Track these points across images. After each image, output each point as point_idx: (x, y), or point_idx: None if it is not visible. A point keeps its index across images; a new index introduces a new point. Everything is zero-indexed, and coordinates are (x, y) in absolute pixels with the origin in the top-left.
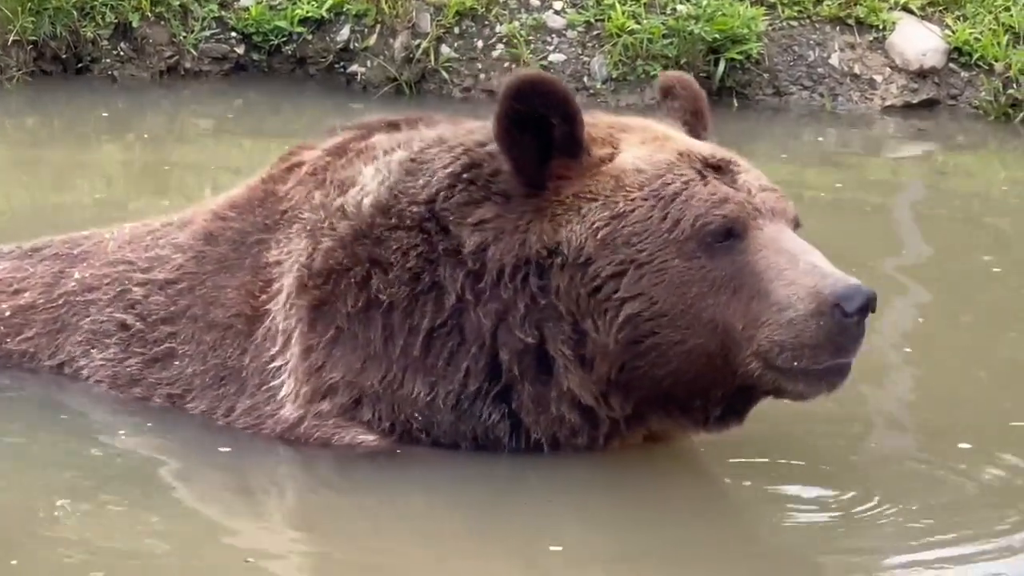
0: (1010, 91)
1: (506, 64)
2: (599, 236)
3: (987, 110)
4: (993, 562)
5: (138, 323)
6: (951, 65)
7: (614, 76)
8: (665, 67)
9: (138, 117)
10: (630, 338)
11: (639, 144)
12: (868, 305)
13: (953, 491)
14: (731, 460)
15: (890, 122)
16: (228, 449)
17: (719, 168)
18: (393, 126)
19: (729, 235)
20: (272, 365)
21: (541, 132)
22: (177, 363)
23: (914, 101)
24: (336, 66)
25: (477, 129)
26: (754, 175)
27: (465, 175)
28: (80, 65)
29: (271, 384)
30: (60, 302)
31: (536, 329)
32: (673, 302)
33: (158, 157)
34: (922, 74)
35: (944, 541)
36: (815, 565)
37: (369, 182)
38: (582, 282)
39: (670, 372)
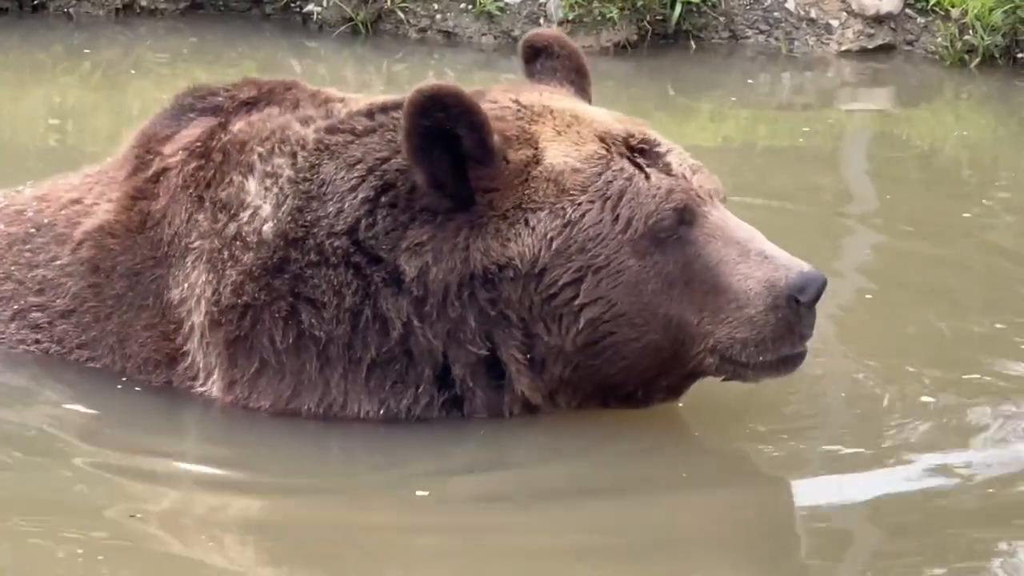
0: (966, 37)
1: (462, 5)
2: (553, 246)
3: (943, 56)
4: None
5: (54, 346)
6: (907, 11)
7: (570, 18)
8: (621, 9)
9: (94, 52)
10: (587, 340)
11: (556, 136)
12: (821, 292)
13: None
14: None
15: (846, 65)
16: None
17: (643, 151)
18: (248, 105)
19: (679, 227)
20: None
21: (450, 144)
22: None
23: (870, 46)
24: (292, 5)
25: (360, 132)
26: (676, 154)
27: (383, 199)
28: (36, 2)
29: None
30: None
31: (487, 339)
32: (631, 302)
33: (114, 90)
34: (878, 19)
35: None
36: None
37: (261, 204)
38: (536, 291)
39: (623, 368)
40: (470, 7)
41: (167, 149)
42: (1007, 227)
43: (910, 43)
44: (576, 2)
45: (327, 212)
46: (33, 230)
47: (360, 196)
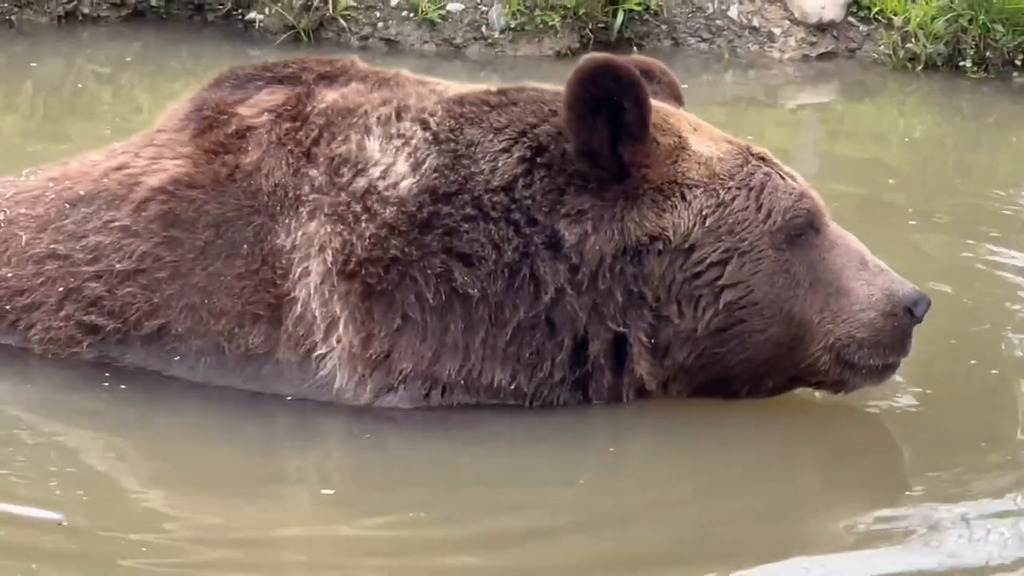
0: (908, 45)
1: (404, 13)
2: (707, 223)
3: (886, 64)
4: None
5: (114, 322)
6: (850, 19)
7: (512, 26)
8: (564, 17)
9: (35, 61)
10: (720, 325)
11: (692, 131)
12: (927, 310)
13: None
14: None
15: (789, 66)
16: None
17: (764, 159)
18: (327, 79)
19: (808, 229)
20: (315, 354)
21: (613, 116)
22: (179, 359)
23: (813, 55)
24: (234, 13)
25: (495, 104)
26: (791, 170)
27: (538, 159)
28: None
29: (317, 374)
30: None
31: (623, 318)
32: (765, 291)
33: (56, 100)
34: (821, 27)
35: None
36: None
37: (393, 161)
38: (681, 268)
39: (743, 360)
40: (412, 15)
41: (244, 111)
42: (955, 223)
43: (852, 51)
44: (518, 10)
45: (480, 169)
46: (68, 206)
47: (516, 155)
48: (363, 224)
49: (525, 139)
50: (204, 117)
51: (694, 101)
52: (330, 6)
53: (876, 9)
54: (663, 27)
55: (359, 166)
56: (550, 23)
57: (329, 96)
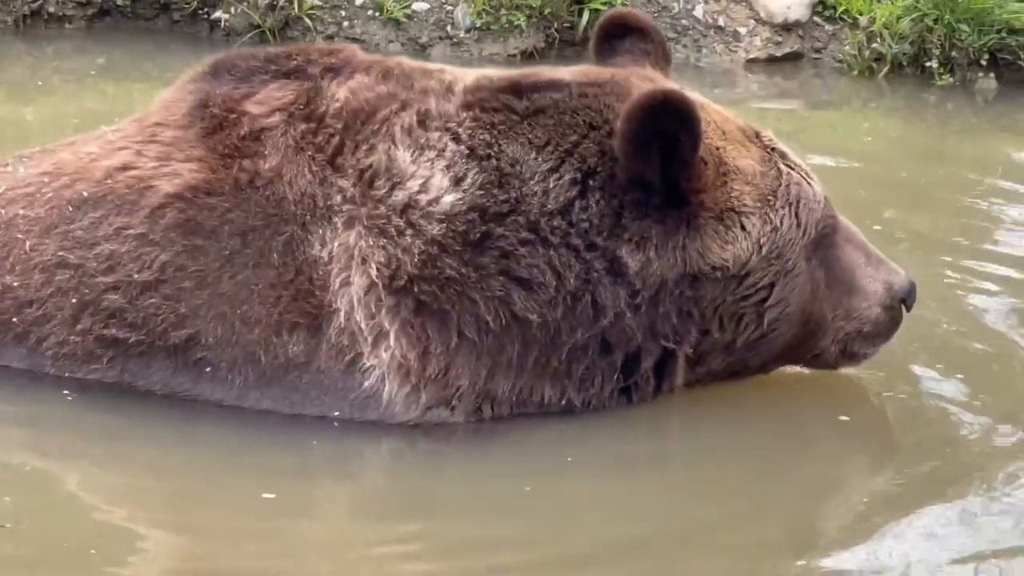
0: (874, 45)
1: (369, 12)
2: (763, 251)
3: (851, 64)
4: None
5: (136, 335)
6: (815, 19)
7: (478, 25)
8: (529, 17)
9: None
10: (758, 337)
11: (722, 135)
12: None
13: None
14: None
15: (753, 81)
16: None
17: (777, 150)
18: (332, 71)
19: (831, 235)
20: (360, 364)
21: (667, 147)
22: (209, 370)
23: (778, 54)
24: (200, 12)
25: (523, 112)
26: (795, 156)
27: (590, 182)
28: None
29: (363, 384)
30: None
31: (675, 335)
32: (797, 302)
33: (19, 103)
34: (786, 27)
35: None
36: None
37: (430, 175)
38: (733, 291)
39: (764, 359)
40: (378, 14)
41: (254, 109)
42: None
43: (818, 51)
44: (484, 9)
45: (532, 191)
46: (72, 208)
47: (567, 177)
48: (408, 239)
49: (572, 159)
50: (212, 115)
51: None
52: (295, 5)
53: (842, 9)
54: None
55: (394, 178)
56: (516, 22)
57: (340, 93)
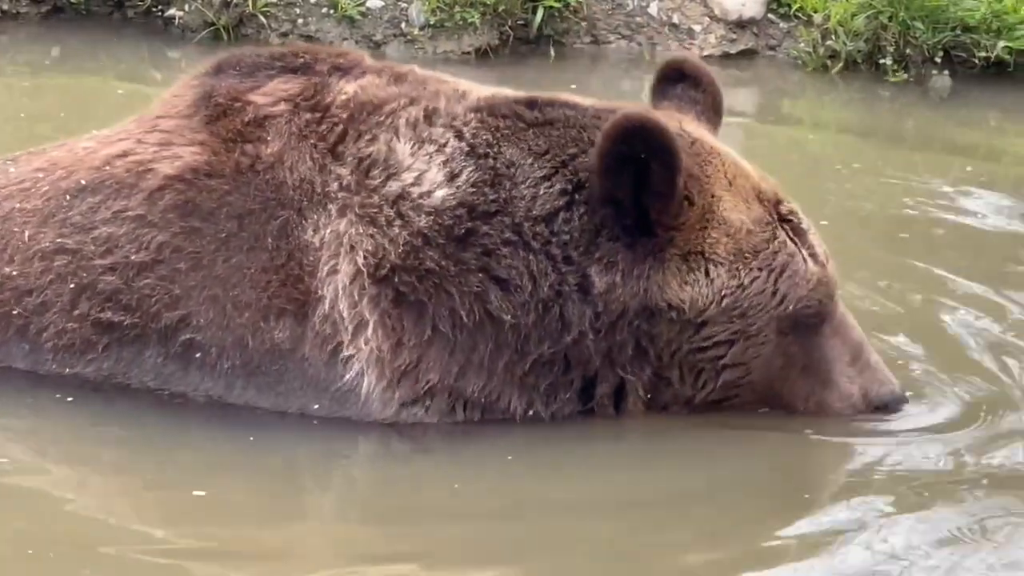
0: (828, 42)
1: (324, 10)
2: (723, 304)
3: (806, 61)
4: None
5: (130, 317)
6: (770, 16)
7: (432, 23)
8: (483, 14)
9: None
10: (716, 398)
11: (728, 187)
12: (900, 409)
13: None
14: None
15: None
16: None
17: (792, 224)
18: (341, 70)
19: (815, 316)
20: (341, 355)
21: (640, 173)
22: (199, 356)
23: (733, 51)
24: (154, 9)
25: (531, 121)
26: (815, 235)
27: (578, 195)
28: None
29: (344, 377)
30: None
31: (631, 367)
32: (761, 373)
33: None
34: (741, 24)
35: None
36: None
37: (426, 168)
38: (690, 339)
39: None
40: (332, 12)
41: (259, 99)
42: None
43: (772, 48)
44: (438, 7)
45: (521, 194)
46: (70, 196)
47: (557, 187)
48: (396, 229)
49: (566, 171)
50: (216, 104)
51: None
52: (249, 3)
53: (796, 6)
54: (583, 24)
55: (391, 169)
56: (470, 20)
57: (348, 88)
